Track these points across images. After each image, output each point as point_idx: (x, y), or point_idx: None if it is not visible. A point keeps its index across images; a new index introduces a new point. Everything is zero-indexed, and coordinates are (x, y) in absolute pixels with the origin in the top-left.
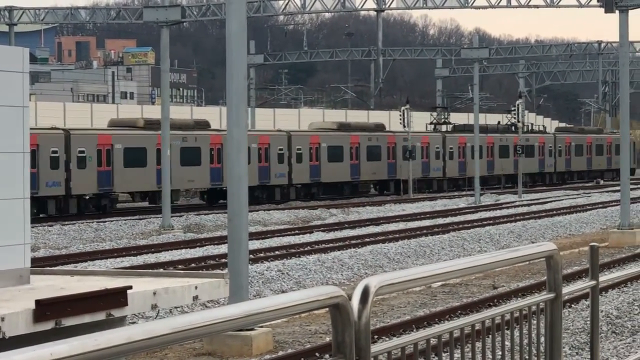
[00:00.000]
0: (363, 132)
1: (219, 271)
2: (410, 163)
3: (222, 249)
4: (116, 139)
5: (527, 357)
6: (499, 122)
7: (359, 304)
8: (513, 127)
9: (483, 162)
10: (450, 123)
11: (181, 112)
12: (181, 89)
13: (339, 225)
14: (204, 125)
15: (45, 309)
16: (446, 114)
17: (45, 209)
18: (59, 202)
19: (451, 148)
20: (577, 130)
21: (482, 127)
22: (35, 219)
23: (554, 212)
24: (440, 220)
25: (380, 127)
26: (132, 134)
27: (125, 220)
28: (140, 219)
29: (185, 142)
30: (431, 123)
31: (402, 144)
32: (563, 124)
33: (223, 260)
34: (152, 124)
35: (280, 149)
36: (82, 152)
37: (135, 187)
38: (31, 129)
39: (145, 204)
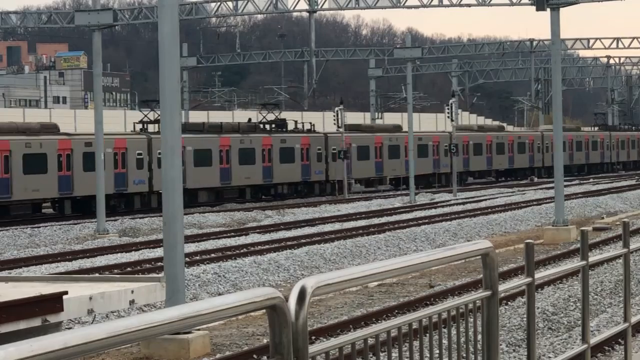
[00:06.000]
0: (235, 134)
1: (155, 275)
2: (344, 163)
3: (158, 252)
4: None
5: (464, 355)
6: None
7: (296, 305)
8: None
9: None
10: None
11: (114, 116)
12: (114, 93)
13: (275, 227)
14: (52, 129)
15: None
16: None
17: None
18: None
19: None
20: (476, 129)
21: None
22: None
23: (489, 210)
24: (376, 220)
25: (253, 128)
26: None
27: (59, 225)
28: (75, 224)
29: (29, 147)
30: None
31: (280, 145)
32: (497, 122)
33: (159, 263)
34: None
35: (140, 154)
36: None
37: None
38: None
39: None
